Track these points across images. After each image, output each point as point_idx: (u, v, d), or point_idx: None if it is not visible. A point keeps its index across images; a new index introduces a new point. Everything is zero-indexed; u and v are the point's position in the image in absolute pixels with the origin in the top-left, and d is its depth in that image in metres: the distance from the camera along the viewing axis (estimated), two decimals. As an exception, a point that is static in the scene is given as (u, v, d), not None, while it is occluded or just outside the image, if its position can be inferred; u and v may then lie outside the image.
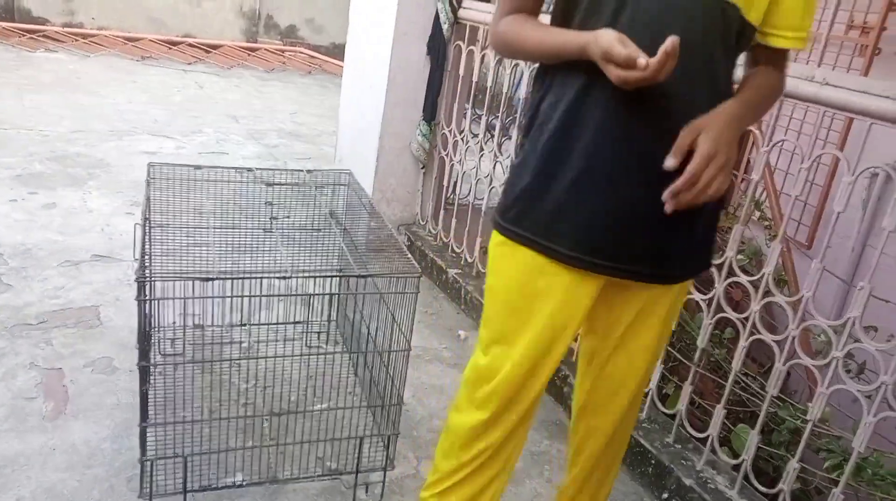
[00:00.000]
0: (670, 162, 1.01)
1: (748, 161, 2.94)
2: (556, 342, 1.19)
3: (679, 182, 1.00)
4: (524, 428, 1.31)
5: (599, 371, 1.30)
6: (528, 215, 1.14)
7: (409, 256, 1.67)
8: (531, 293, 1.16)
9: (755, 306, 1.83)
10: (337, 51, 8.76)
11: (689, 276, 1.24)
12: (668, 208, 1.02)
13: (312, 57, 8.32)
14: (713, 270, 1.92)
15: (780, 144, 2.20)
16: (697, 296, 1.96)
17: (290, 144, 4.70)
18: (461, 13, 2.82)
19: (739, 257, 2.70)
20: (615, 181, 1.07)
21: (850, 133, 3.67)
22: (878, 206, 3.13)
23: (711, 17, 1.07)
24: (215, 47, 7.79)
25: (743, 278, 1.89)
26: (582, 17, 1.09)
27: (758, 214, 2.99)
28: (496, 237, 1.21)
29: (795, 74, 1.64)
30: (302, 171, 2.10)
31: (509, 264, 1.18)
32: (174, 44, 7.61)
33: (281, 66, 7.73)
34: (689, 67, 1.04)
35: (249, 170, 2.07)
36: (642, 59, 0.94)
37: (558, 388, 2.21)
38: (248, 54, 7.89)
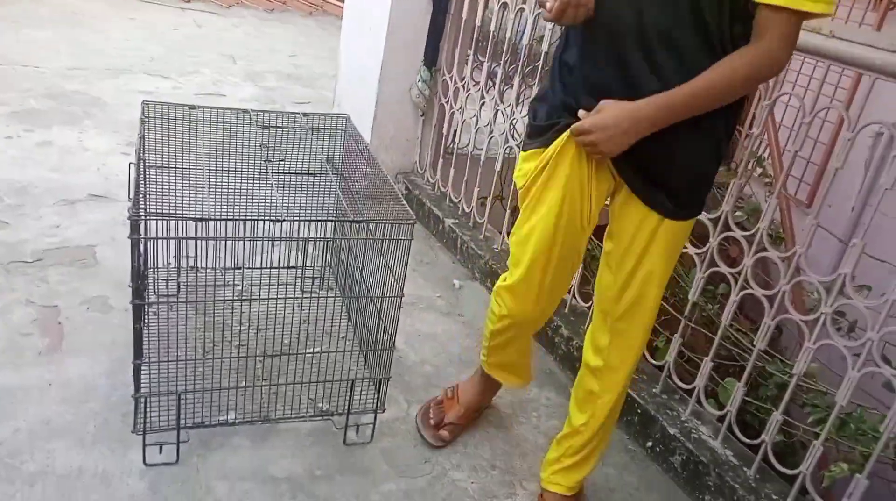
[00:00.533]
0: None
1: (753, 116, 2.90)
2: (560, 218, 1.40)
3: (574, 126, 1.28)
4: (542, 301, 1.52)
5: (618, 270, 1.43)
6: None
7: (404, 203, 1.67)
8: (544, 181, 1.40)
9: (748, 260, 1.83)
10: (340, -8, 8.50)
11: (664, 209, 1.34)
12: None
13: (314, -2, 8.11)
14: (708, 224, 1.91)
15: (784, 98, 2.16)
16: (692, 250, 1.96)
17: (288, 86, 4.62)
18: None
19: (738, 213, 2.70)
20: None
21: (858, 91, 3.61)
22: (881, 166, 3.10)
23: None
24: (215, -15, 7.58)
25: (737, 233, 1.88)
26: None
27: (759, 170, 2.97)
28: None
29: (803, 26, 1.60)
30: (299, 114, 2.07)
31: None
32: (173, -20, 7.40)
33: (282, 5, 7.54)
34: (670, 21, 1.17)
35: (245, 112, 2.04)
36: (549, 3, 1.15)
37: (549, 338, 2.23)
38: (249, -7, 7.68)
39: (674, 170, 1.31)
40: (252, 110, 2.02)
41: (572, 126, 1.29)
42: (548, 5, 1.15)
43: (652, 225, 1.36)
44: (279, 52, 5.52)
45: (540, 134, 1.40)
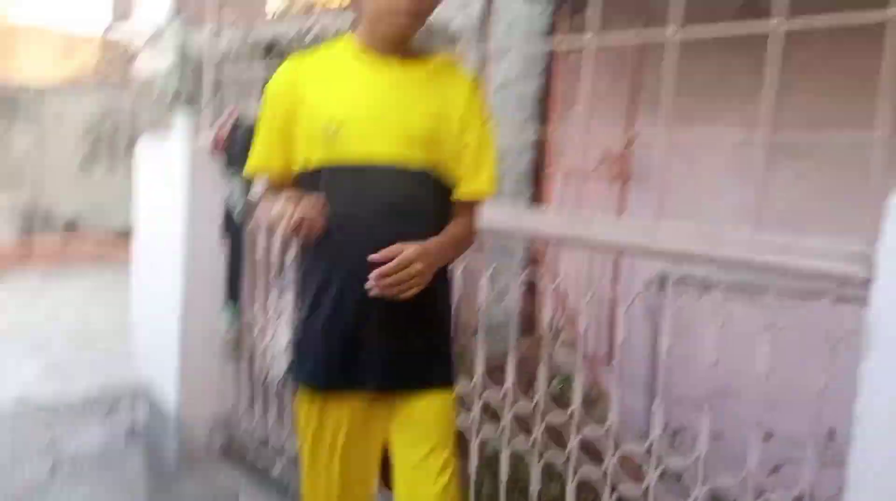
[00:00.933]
0: (374, 256, 1.26)
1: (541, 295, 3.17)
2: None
3: (385, 267, 1.25)
4: None
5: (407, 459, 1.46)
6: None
7: (222, 475, 1.54)
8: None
9: (572, 442, 1.90)
10: (128, 235, 8.34)
11: (428, 385, 1.45)
12: (374, 291, 1.27)
13: (98, 247, 7.86)
14: (532, 413, 1.98)
15: (562, 281, 2.39)
16: (524, 447, 2.00)
17: (78, 352, 4.26)
18: (251, 193, 2.81)
19: (553, 384, 2.85)
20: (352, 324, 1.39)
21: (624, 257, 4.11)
22: (658, 313, 3.50)
23: (410, 183, 1.36)
24: (-15, 252, 7.09)
25: (555, 419, 1.97)
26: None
27: (561, 339, 3.21)
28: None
29: (561, 219, 1.86)
30: (89, 393, 1.90)
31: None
32: (-68, 256, 6.81)
33: (63, 262, 7.19)
34: (401, 227, 1.33)
35: (24, 403, 1.83)
36: (283, 222, 1.24)
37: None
38: (25, 254, 7.27)
39: (429, 344, 1.44)
40: (33, 400, 1.82)
41: (397, 261, 1.26)
42: (282, 224, 1.23)
43: (434, 407, 1.44)
44: (65, 314, 5.16)
45: (325, 372, 1.43)
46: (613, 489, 1.81)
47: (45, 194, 7.99)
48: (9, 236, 7.68)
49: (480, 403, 2.15)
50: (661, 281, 3.29)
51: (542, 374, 2.00)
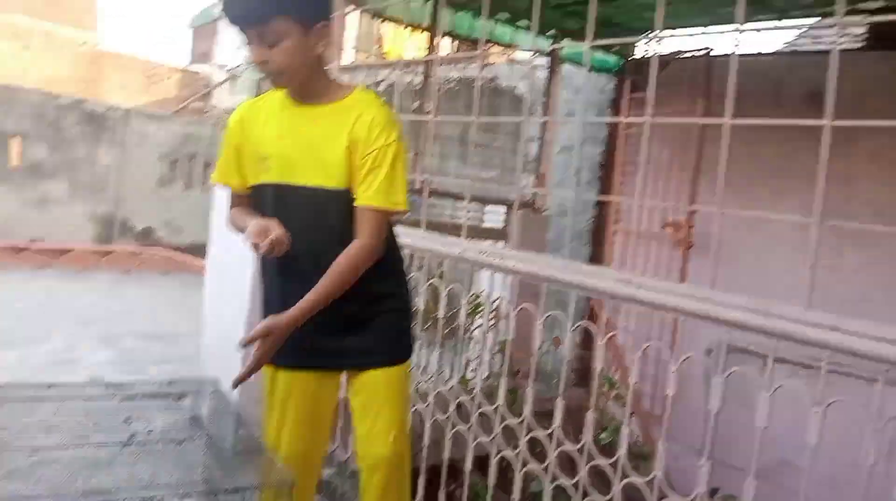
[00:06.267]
0: (241, 342, 1.71)
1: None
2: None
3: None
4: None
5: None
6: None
7: (279, 464, 1.64)
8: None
9: (616, 487, 1.93)
10: (197, 249, 8.69)
11: (369, 364, 1.80)
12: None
13: (170, 257, 8.23)
14: (577, 454, 2.03)
15: (620, 339, 2.43)
16: (566, 482, 2.04)
17: (148, 347, 4.48)
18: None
19: (603, 435, 2.87)
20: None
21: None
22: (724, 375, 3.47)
23: (324, 201, 1.68)
24: (65, 251, 7.51)
25: (601, 461, 2.00)
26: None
27: (614, 392, 3.23)
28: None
29: (617, 277, 1.95)
30: (160, 380, 2.04)
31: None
32: (19, 249, 7.26)
33: (137, 267, 7.55)
34: (318, 236, 1.68)
35: (102, 385, 1.98)
36: (262, 245, 1.56)
37: None
38: (102, 257, 7.67)
39: (368, 331, 1.77)
40: (108, 383, 1.96)
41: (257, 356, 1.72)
42: (261, 246, 1.56)
43: (377, 379, 1.78)
44: (136, 313, 5.42)
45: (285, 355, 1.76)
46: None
47: (124, 206, 8.45)
48: (87, 240, 8.13)
49: (526, 439, 2.19)
50: (720, 349, 3.30)
51: (589, 420, 2.04)
